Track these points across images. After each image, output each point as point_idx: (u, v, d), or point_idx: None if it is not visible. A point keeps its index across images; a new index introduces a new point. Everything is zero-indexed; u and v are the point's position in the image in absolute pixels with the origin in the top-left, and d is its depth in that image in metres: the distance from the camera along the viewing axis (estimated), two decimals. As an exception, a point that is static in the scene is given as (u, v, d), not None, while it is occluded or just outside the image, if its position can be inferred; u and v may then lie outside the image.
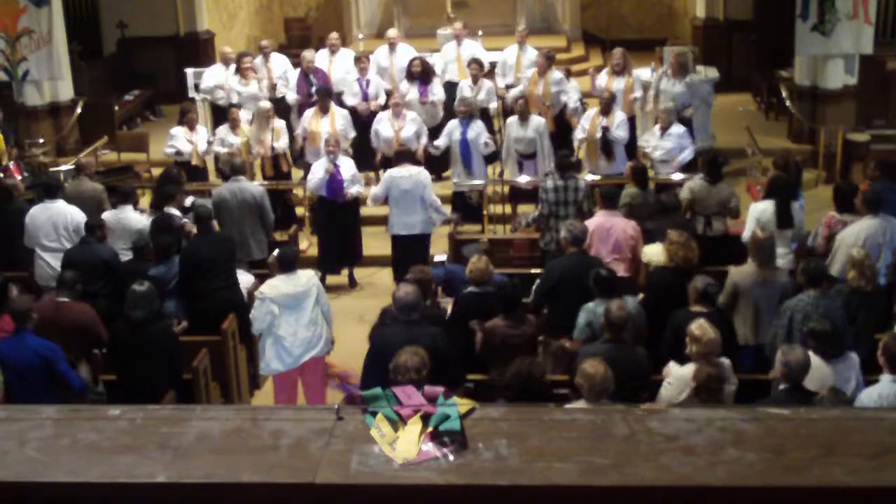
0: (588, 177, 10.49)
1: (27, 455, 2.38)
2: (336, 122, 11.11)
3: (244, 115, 11.50)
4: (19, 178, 10.95)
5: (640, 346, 6.58)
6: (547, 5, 17.31)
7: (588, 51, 16.89)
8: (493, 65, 12.82)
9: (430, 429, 2.42)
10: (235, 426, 2.50)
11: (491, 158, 11.46)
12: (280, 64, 12.59)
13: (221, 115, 12.04)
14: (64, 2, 13.59)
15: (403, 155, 10.05)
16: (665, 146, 10.56)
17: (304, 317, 7.36)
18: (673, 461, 2.29)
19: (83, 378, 6.87)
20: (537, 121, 11.08)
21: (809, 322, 6.42)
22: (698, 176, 9.47)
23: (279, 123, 11.31)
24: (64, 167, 11.51)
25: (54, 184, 9.59)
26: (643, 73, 12.37)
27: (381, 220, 10.43)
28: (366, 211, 10.76)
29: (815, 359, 5.88)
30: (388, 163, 10.78)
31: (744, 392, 6.26)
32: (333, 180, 9.99)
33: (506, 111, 12.05)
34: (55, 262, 8.71)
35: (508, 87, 12.49)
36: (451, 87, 12.31)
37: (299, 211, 11.47)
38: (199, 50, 15.92)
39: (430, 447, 2.36)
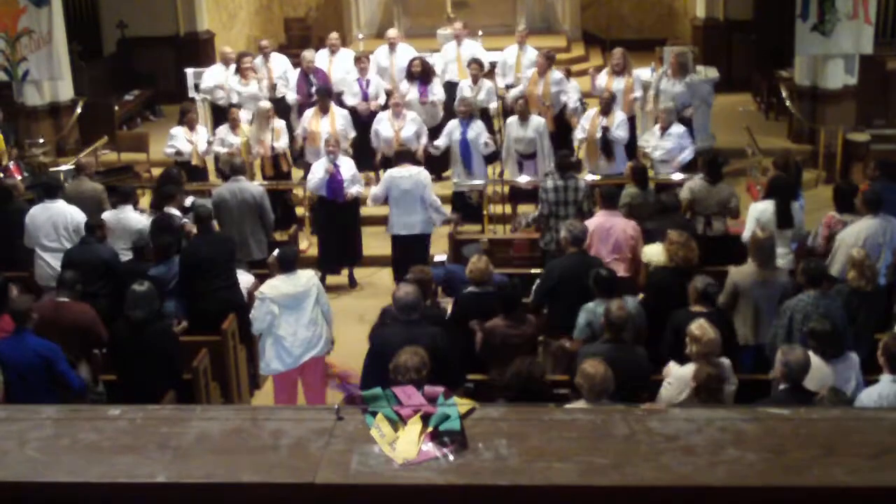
0: (588, 177, 10.49)
1: (27, 455, 2.38)
2: (336, 123, 11.11)
3: (244, 115, 11.50)
4: (19, 178, 10.95)
5: (639, 346, 6.58)
6: (547, 5, 17.31)
7: (588, 51, 16.88)
8: (492, 65, 12.82)
9: (430, 429, 2.42)
10: (235, 426, 2.50)
11: (491, 158, 11.46)
12: (280, 64, 12.59)
13: (221, 115, 12.03)
14: (64, 2, 13.58)
15: (403, 155, 10.05)
16: (665, 146, 10.56)
17: (304, 317, 7.36)
18: (673, 461, 2.29)
19: (83, 378, 6.87)
20: (537, 121, 11.08)
21: (809, 322, 6.42)
22: (698, 176, 9.47)
23: (279, 123, 11.31)
24: (64, 167, 11.51)
25: (54, 184, 9.59)
26: (643, 73, 12.37)
27: (381, 220, 10.42)
28: (366, 211, 10.75)
29: (815, 359, 5.88)
30: (388, 163, 10.77)
31: (744, 392, 6.26)
32: (333, 180, 9.99)
33: (506, 111, 12.05)
34: (55, 262, 8.71)
35: (508, 87, 12.49)
36: (451, 88, 12.31)
37: (299, 211, 11.47)
38: (199, 50, 15.92)
39: (430, 447, 2.36)
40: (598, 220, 8.34)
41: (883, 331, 6.94)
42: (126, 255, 8.68)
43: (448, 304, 7.57)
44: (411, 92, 11.94)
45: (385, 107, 11.73)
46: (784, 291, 7.17)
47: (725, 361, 6.23)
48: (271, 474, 2.29)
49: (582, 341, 6.81)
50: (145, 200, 10.48)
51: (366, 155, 11.49)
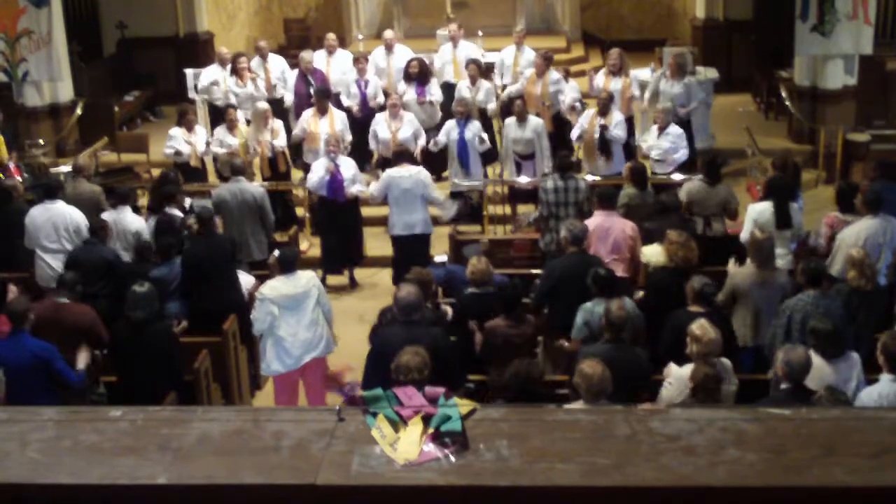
0: (587, 177, 10.49)
1: (28, 456, 2.38)
2: (335, 124, 11.11)
3: (241, 116, 11.49)
4: (19, 178, 10.94)
5: (638, 346, 6.58)
6: (546, 6, 17.31)
7: (588, 51, 16.88)
8: (489, 66, 12.82)
9: (431, 430, 2.42)
10: (236, 427, 2.50)
11: (488, 157, 11.45)
12: (278, 65, 12.59)
13: (220, 115, 12.03)
14: (64, 2, 13.58)
15: (402, 155, 10.05)
16: (662, 146, 10.56)
17: (305, 318, 7.36)
18: (674, 461, 2.29)
19: (81, 371, 6.84)
20: (535, 121, 11.08)
21: (809, 322, 6.42)
22: (697, 177, 9.47)
23: (277, 124, 11.29)
24: (64, 168, 11.51)
25: (54, 185, 9.58)
26: (642, 73, 12.37)
27: (382, 221, 10.43)
28: (366, 211, 10.74)
29: (815, 358, 5.88)
30: (386, 164, 10.77)
31: (744, 392, 6.26)
32: (334, 180, 9.98)
33: (504, 111, 12.05)
34: (56, 263, 8.71)
35: (506, 87, 12.49)
36: (448, 89, 12.31)
37: (299, 211, 11.47)
38: (199, 51, 15.92)
39: (431, 448, 2.36)
40: (597, 221, 8.33)
41: (883, 331, 6.93)
42: (124, 257, 8.68)
43: (449, 308, 7.55)
44: (409, 93, 11.94)
45: (383, 108, 11.73)
46: (783, 292, 7.17)
47: (726, 362, 6.23)
48: (272, 475, 2.29)
49: (580, 341, 6.81)
50: (146, 201, 10.47)
51: (362, 157, 11.49)
